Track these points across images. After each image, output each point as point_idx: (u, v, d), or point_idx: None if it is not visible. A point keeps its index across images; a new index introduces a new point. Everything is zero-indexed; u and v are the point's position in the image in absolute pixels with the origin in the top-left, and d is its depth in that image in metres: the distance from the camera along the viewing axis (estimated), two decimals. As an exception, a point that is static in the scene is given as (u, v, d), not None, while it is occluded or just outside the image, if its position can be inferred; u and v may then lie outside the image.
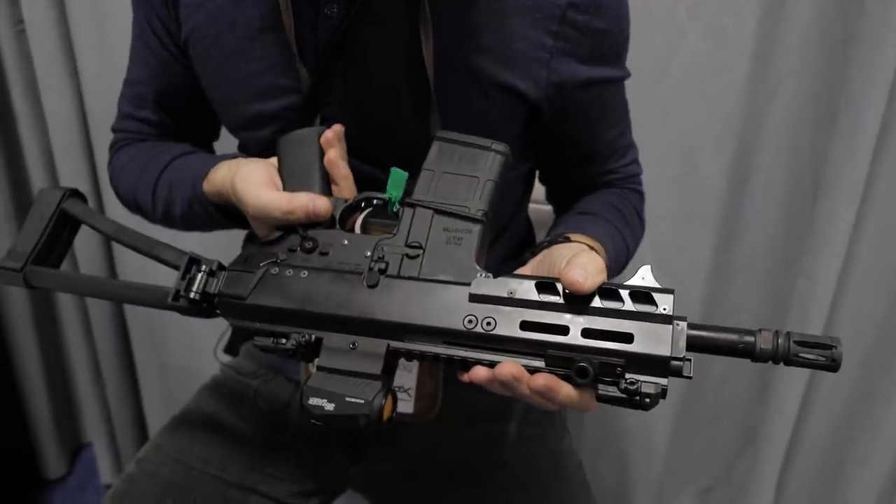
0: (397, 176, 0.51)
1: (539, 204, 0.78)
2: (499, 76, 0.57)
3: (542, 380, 0.41)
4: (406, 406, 0.62)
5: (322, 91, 0.58)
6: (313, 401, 0.44)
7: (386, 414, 0.44)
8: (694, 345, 0.41)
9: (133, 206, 0.69)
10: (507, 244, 0.72)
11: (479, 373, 0.43)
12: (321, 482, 0.74)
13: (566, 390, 0.42)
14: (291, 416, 0.73)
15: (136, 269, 1.20)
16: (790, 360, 0.40)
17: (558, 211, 0.74)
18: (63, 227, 0.58)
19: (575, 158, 0.68)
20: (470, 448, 0.71)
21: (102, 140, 1.13)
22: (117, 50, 0.98)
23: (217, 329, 0.92)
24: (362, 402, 0.43)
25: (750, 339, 0.41)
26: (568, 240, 0.53)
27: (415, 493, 0.72)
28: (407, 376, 0.62)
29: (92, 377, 1.36)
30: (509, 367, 0.42)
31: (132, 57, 0.69)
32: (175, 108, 0.69)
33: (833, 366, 0.40)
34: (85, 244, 1.22)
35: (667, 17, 0.92)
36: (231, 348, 0.79)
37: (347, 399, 0.44)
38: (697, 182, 1.00)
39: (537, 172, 0.73)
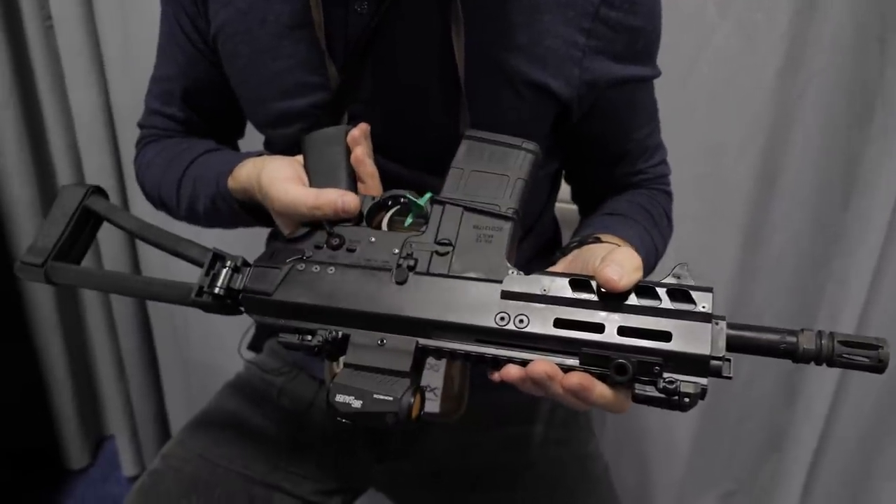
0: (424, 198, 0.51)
1: (566, 203, 0.77)
2: (530, 74, 0.56)
3: (577, 378, 0.40)
4: (432, 406, 0.62)
5: (350, 88, 0.57)
6: (340, 398, 0.43)
7: (414, 412, 0.43)
8: (733, 345, 0.41)
9: (158, 202, 0.69)
10: (534, 244, 0.71)
11: (511, 371, 0.42)
12: (344, 481, 0.73)
13: (600, 390, 0.41)
14: (315, 415, 0.73)
15: (159, 266, 1.21)
16: (833, 361, 0.39)
17: (583, 211, 0.73)
18: (85, 224, 0.58)
19: (604, 158, 0.67)
20: (496, 450, 0.71)
21: (127, 136, 1.14)
22: (143, 46, 0.99)
23: (239, 326, 0.92)
24: (391, 399, 0.42)
25: (792, 339, 0.40)
26: (598, 240, 0.52)
27: (438, 494, 0.71)
28: (433, 376, 0.61)
29: (115, 372, 1.38)
30: (543, 365, 0.41)
31: (159, 53, 0.69)
32: (202, 106, 0.69)
33: (879, 367, 0.39)
34: (109, 241, 1.23)
35: (695, 14, 0.91)
36: (255, 345, 0.79)
37: (375, 396, 0.43)
38: (723, 181, 0.99)
39: (563, 171, 0.73)
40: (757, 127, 0.95)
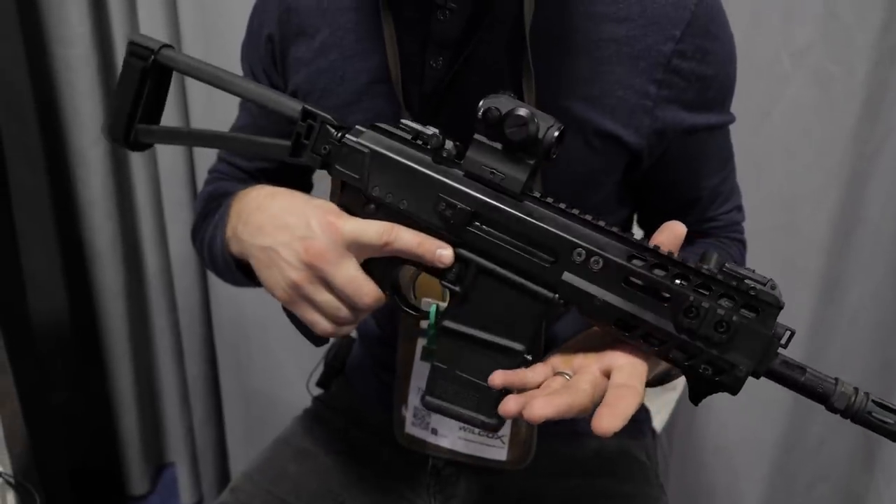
0: None
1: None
2: (601, 124, 0.57)
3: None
4: (499, 453, 0.61)
5: None
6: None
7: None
8: (776, 372, 0.45)
9: (193, 242, 0.70)
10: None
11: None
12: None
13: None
14: (382, 454, 0.73)
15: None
16: (858, 418, 0.43)
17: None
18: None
19: (674, 205, 0.66)
20: (562, 502, 0.69)
21: (204, 176, 1.19)
22: (225, 94, 1.04)
23: (301, 362, 0.94)
24: None
25: (830, 384, 0.43)
26: None
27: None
28: None
29: (180, 398, 1.41)
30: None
31: (239, 105, 0.72)
32: (269, 159, 0.70)
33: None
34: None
35: (768, 65, 0.90)
36: (323, 382, 0.80)
37: None
38: (797, 233, 0.96)
39: (635, 217, 0.72)
40: (833, 178, 0.93)
